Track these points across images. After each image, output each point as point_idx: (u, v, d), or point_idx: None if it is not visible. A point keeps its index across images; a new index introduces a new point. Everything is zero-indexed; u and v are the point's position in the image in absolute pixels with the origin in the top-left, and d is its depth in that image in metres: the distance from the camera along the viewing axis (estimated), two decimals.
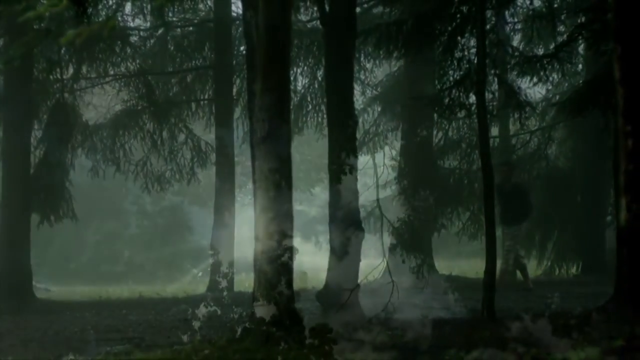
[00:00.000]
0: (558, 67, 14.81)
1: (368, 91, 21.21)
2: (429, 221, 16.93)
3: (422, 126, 17.06)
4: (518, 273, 16.02)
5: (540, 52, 17.80)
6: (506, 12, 14.96)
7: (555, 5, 16.91)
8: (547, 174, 19.50)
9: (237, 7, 18.39)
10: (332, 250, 10.02)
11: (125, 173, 19.34)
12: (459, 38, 12.18)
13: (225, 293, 10.64)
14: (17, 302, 14.45)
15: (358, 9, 14.96)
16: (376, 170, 16.92)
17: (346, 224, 9.95)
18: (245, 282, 17.53)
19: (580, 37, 14.00)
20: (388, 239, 13.86)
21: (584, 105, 12.49)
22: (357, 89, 18.02)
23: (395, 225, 13.92)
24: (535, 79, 15.00)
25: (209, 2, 19.56)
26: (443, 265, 19.89)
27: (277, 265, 6.59)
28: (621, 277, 8.86)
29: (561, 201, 19.34)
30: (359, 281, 10.05)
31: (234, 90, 18.78)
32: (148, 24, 19.57)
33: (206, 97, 19.39)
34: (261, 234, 6.65)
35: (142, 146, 19.34)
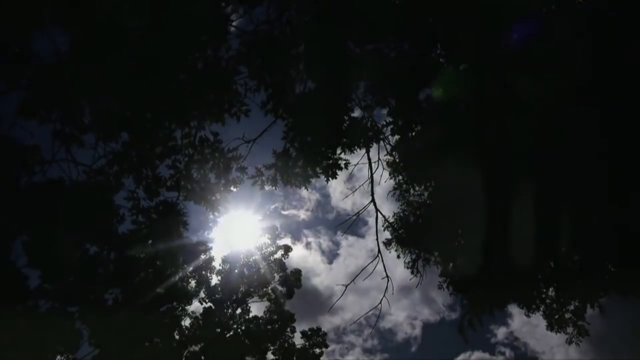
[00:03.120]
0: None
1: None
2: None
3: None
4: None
5: None
6: None
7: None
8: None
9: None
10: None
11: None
12: None
13: (219, 289, 10.53)
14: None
15: None
16: (370, 166, 16.61)
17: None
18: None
19: None
20: (383, 236, 13.72)
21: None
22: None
23: (390, 221, 13.83)
24: None
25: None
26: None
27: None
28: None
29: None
30: (352, 280, 9.96)
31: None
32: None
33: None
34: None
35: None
